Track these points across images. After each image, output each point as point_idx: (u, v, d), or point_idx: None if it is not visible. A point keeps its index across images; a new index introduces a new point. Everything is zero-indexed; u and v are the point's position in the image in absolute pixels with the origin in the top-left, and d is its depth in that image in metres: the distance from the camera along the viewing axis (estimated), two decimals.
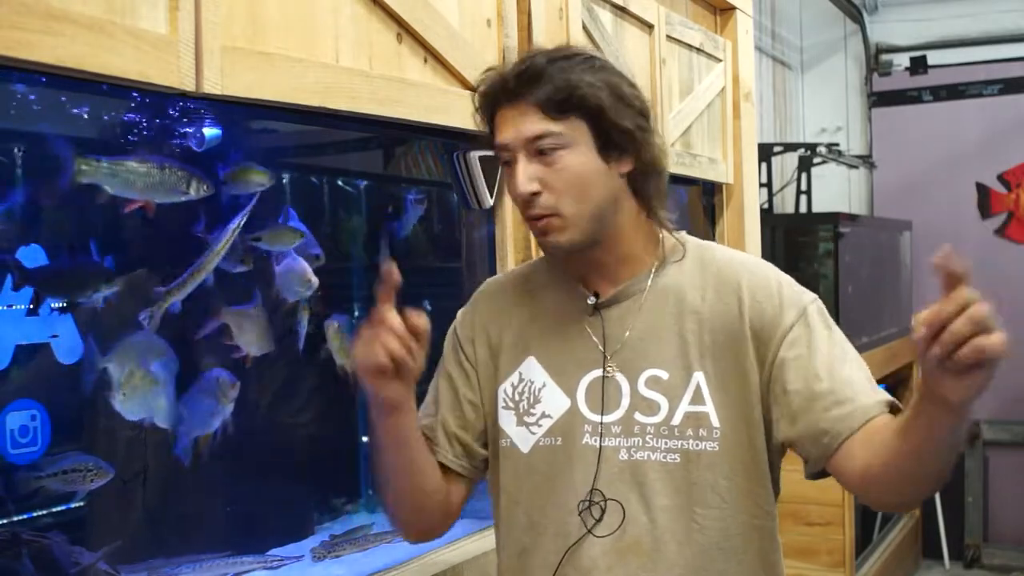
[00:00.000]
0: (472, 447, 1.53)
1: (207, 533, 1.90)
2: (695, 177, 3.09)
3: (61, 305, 1.61)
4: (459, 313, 1.60)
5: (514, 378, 1.50)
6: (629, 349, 1.44)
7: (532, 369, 1.49)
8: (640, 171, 1.42)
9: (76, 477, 1.55)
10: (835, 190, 5.99)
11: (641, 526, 1.39)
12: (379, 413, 1.38)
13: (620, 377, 1.43)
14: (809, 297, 1.43)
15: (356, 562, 1.89)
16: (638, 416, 1.41)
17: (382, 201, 2.33)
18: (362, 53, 1.75)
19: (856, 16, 6.17)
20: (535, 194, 1.38)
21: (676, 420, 1.40)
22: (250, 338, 1.86)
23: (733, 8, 3.37)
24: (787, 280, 1.45)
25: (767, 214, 4.83)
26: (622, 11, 2.69)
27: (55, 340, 1.59)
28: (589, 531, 1.41)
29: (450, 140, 2.06)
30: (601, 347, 1.44)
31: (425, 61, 1.91)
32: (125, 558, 1.65)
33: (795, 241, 4.60)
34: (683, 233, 1.51)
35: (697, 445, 1.39)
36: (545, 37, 2.22)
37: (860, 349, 1.55)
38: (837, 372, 1.37)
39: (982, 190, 6.16)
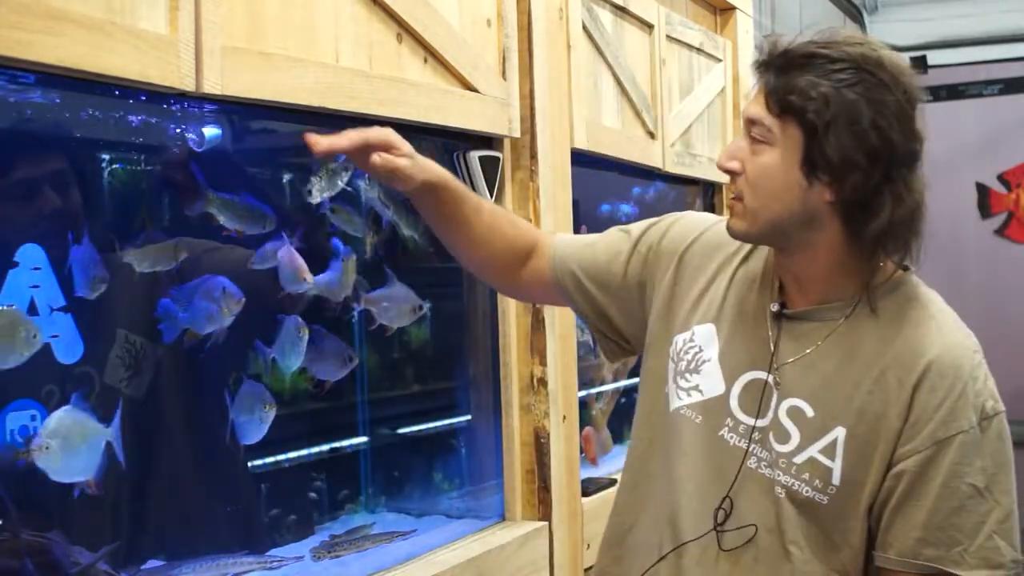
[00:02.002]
0: (573, 274, 1.61)
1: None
2: (695, 177, 3.09)
3: (61, 305, 1.62)
4: (691, 221, 1.59)
5: (687, 335, 1.49)
6: (791, 370, 1.40)
7: (707, 338, 1.48)
8: (852, 207, 1.32)
9: None
10: None
11: (751, 544, 1.38)
12: (412, 199, 1.58)
13: (775, 391, 1.40)
14: (968, 422, 1.30)
15: (356, 562, 1.89)
16: (772, 436, 1.39)
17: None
18: (362, 53, 1.75)
19: (856, 16, 6.17)
20: (733, 173, 1.39)
21: (799, 459, 1.36)
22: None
23: (733, 8, 3.37)
24: (975, 382, 1.32)
25: None
26: (622, 11, 2.69)
27: (55, 340, 1.59)
28: (717, 533, 1.40)
29: (450, 140, 2.06)
30: (772, 353, 1.41)
31: (425, 61, 1.91)
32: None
33: None
34: (904, 276, 1.40)
35: (807, 492, 1.36)
36: (545, 37, 2.22)
37: None
38: (936, 509, 1.30)
39: (982, 190, 6.16)
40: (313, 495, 2.20)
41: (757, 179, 1.35)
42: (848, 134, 1.28)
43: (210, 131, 1.80)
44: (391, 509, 2.25)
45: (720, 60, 3.29)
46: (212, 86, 1.44)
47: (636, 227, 1.62)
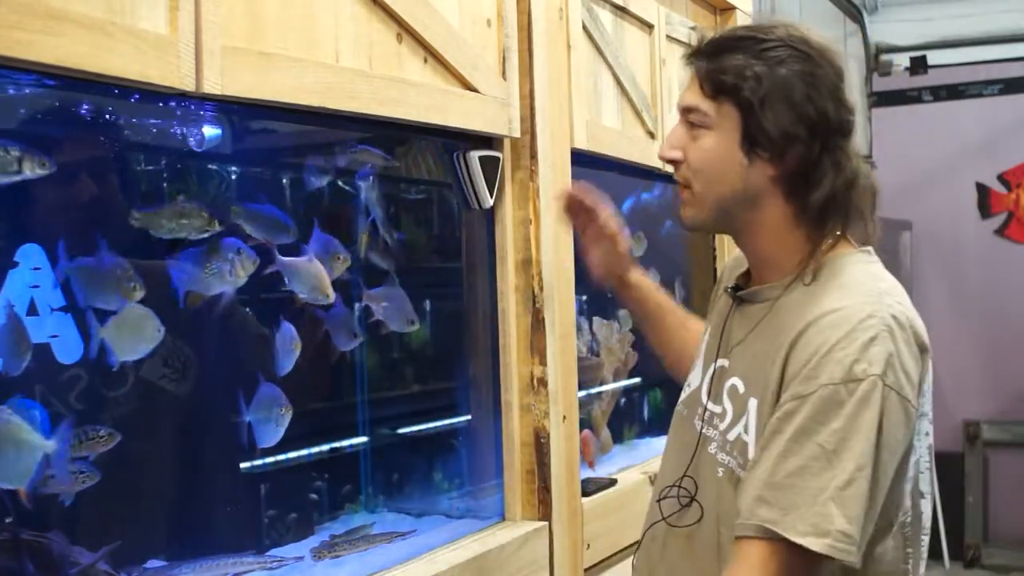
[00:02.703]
0: None
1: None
2: None
3: (61, 305, 1.62)
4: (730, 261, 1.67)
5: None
6: (737, 351, 1.43)
7: (703, 339, 1.57)
8: (794, 180, 1.34)
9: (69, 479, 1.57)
10: None
11: (700, 523, 1.41)
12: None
13: (727, 375, 1.43)
14: (829, 378, 1.25)
15: (356, 562, 1.89)
16: (717, 420, 1.42)
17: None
18: (362, 53, 1.75)
19: (856, 16, 6.16)
20: (676, 162, 1.41)
21: (732, 436, 1.38)
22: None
23: (733, 8, 3.36)
24: (851, 343, 1.26)
25: None
26: (622, 11, 2.69)
27: (55, 340, 1.60)
28: (665, 518, 1.46)
29: (450, 140, 2.06)
30: (724, 339, 1.46)
31: (425, 61, 1.91)
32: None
33: None
34: (848, 252, 1.39)
35: (739, 469, 1.36)
36: (545, 37, 2.22)
37: None
38: (780, 467, 1.26)
39: (982, 190, 6.16)
40: (313, 495, 2.20)
41: (700, 164, 1.38)
42: (785, 108, 1.32)
43: (210, 131, 1.80)
44: (391, 509, 2.25)
45: None
46: (212, 86, 1.44)
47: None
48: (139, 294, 1.64)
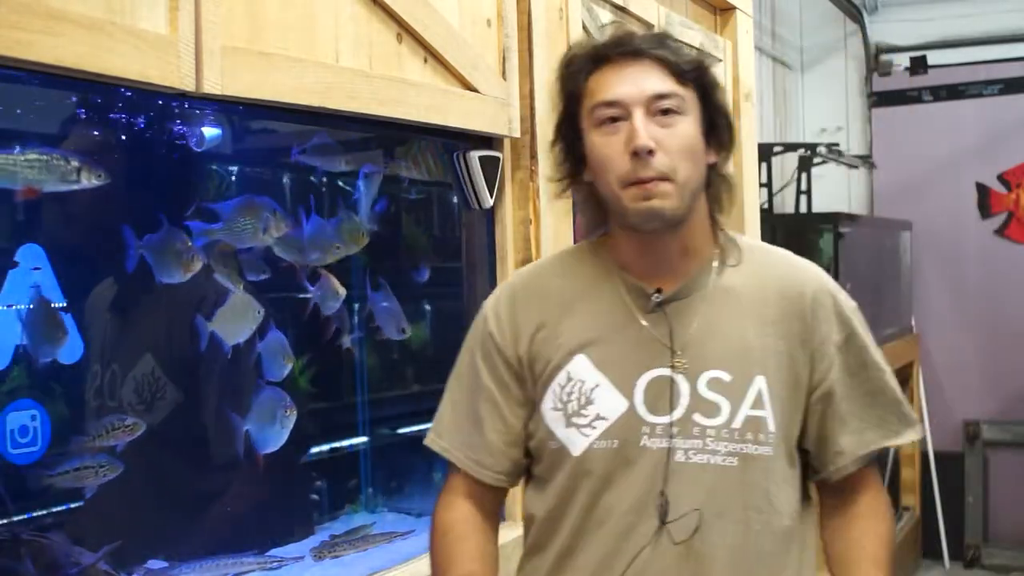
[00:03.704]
0: (519, 461, 1.48)
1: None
2: None
3: (62, 305, 1.62)
4: (489, 312, 1.50)
5: (561, 378, 1.42)
6: (691, 348, 1.39)
7: (581, 369, 1.42)
8: (719, 169, 1.44)
9: (87, 474, 1.58)
10: (835, 190, 5.98)
11: (701, 532, 1.36)
12: None
13: (680, 377, 1.39)
14: (848, 317, 1.48)
15: (356, 562, 1.89)
16: (697, 417, 1.37)
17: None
18: (362, 53, 1.75)
19: (856, 16, 6.16)
20: (651, 153, 1.34)
21: (737, 423, 1.37)
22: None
23: (733, 8, 3.37)
24: (836, 288, 1.50)
25: (767, 214, 4.83)
26: (622, 11, 2.69)
27: None
28: (665, 527, 1.37)
29: (450, 140, 2.07)
30: (667, 344, 1.39)
31: (425, 61, 1.91)
32: None
33: (795, 241, 4.60)
34: (734, 233, 1.50)
35: (755, 449, 1.38)
36: (545, 37, 2.22)
37: None
38: (868, 398, 1.46)
39: (982, 190, 6.15)
40: (313, 495, 2.21)
41: (683, 151, 1.37)
42: (721, 96, 1.42)
43: (210, 131, 1.80)
44: (391, 509, 2.25)
45: (720, 60, 3.29)
46: (212, 86, 1.44)
47: (478, 368, 1.51)
48: (198, 264, 1.70)
